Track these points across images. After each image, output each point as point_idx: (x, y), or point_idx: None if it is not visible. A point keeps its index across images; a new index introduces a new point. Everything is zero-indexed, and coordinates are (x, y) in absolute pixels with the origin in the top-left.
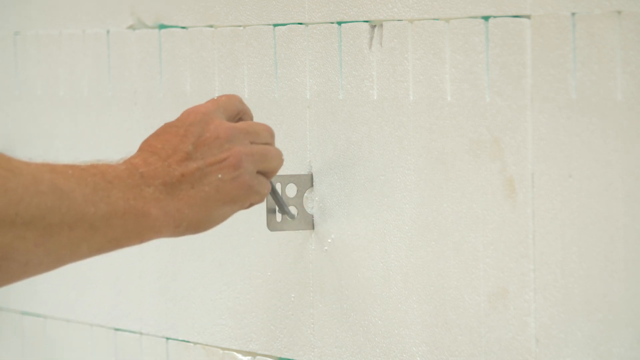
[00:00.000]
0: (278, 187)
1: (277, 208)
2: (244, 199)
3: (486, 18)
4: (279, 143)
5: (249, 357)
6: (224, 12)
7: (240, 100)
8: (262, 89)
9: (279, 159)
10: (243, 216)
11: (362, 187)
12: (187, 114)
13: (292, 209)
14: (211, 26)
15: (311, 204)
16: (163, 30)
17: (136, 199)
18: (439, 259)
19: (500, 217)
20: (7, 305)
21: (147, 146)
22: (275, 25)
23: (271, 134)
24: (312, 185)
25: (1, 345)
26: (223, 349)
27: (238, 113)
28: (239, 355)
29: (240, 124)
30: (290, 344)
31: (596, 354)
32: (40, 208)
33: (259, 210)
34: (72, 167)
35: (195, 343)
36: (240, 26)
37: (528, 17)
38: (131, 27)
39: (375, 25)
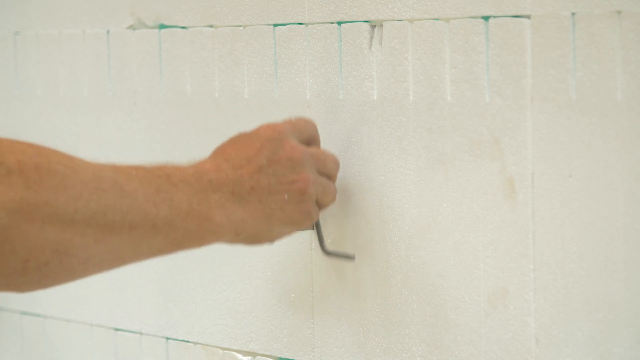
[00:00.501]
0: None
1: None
2: (302, 223)
3: (486, 18)
4: None
5: (249, 357)
6: (224, 12)
7: (315, 127)
8: (262, 89)
9: (333, 196)
10: None
11: (362, 187)
12: (264, 128)
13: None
14: (211, 26)
15: None
16: (163, 30)
17: (200, 204)
18: (439, 259)
19: (500, 217)
20: (7, 305)
21: (221, 153)
22: (275, 25)
23: (337, 165)
24: None
25: (1, 345)
26: (223, 349)
27: (310, 139)
28: (239, 355)
29: (312, 150)
30: (290, 344)
31: (596, 354)
32: (100, 205)
33: None
34: (137, 168)
35: (195, 343)
36: (240, 26)
37: (528, 17)
38: (131, 27)
39: (375, 25)
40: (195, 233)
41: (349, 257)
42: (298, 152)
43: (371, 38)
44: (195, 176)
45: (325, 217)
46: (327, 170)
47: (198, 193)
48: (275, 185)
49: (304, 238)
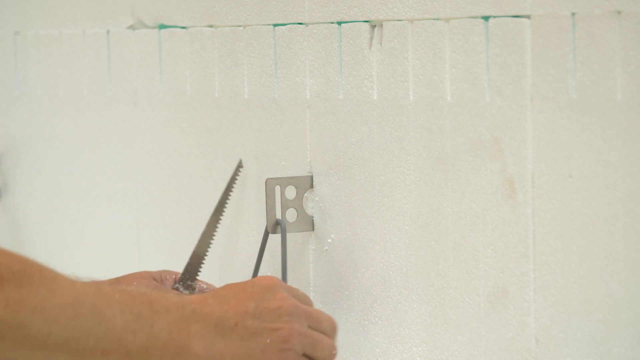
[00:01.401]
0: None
1: None
2: None
3: (486, 18)
4: (279, 143)
5: None
6: (224, 12)
7: (310, 301)
8: (262, 89)
9: (329, 353)
10: (243, 216)
11: (362, 187)
12: (260, 278)
13: None
14: (211, 26)
15: (311, 205)
16: (163, 30)
17: (180, 332)
18: (439, 259)
19: (500, 217)
20: None
21: (211, 292)
22: (275, 25)
23: (333, 327)
24: (312, 186)
25: None
26: None
27: (305, 302)
28: None
29: (306, 307)
30: None
31: (596, 354)
32: (76, 330)
33: (259, 210)
34: (121, 291)
35: None
36: (240, 26)
37: (528, 17)
38: (131, 27)
39: (375, 25)
40: None
41: None
42: (289, 303)
43: (371, 38)
44: (178, 305)
45: (325, 218)
46: (321, 328)
47: (179, 322)
48: (259, 328)
49: (304, 239)
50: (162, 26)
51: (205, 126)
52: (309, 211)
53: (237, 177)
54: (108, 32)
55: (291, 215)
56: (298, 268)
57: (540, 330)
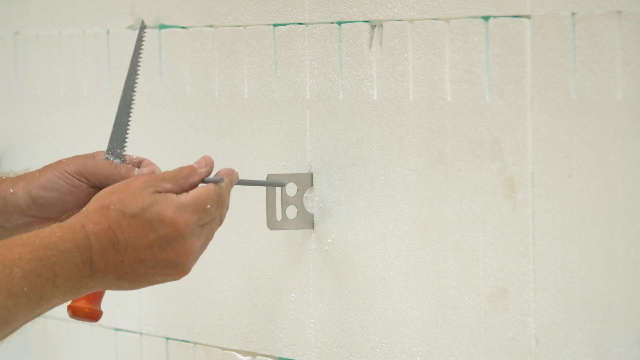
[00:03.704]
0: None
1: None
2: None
3: (486, 18)
4: (279, 142)
5: (249, 357)
6: (224, 12)
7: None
8: (262, 89)
9: (219, 221)
10: (243, 216)
11: (362, 187)
12: (167, 221)
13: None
14: (211, 26)
15: (311, 204)
16: (163, 30)
17: (74, 290)
18: (439, 259)
19: (500, 217)
20: None
21: (115, 225)
22: (275, 25)
23: (218, 195)
24: (312, 185)
25: (2, 345)
26: (223, 349)
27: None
28: (239, 355)
29: (190, 210)
30: (290, 344)
31: (596, 354)
32: None
33: (259, 210)
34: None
35: (195, 343)
36: (240, 26)
37: (528, 17)
38: (131, 27)
39: (375, 25)
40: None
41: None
42: (186, 256)
43: (371, 38)
44: (78, 268)
45: (325, 217)
46: (209, 216)
47: (76, 283)
48: (150, 273)
49: (304, 238)
50: (162, 26)
51: (205, 126)
52: (309, 210)
53: (142, 39)
54: (108, 32)
55: (291, 212)
56: (298, 268)
57: (540, 330)
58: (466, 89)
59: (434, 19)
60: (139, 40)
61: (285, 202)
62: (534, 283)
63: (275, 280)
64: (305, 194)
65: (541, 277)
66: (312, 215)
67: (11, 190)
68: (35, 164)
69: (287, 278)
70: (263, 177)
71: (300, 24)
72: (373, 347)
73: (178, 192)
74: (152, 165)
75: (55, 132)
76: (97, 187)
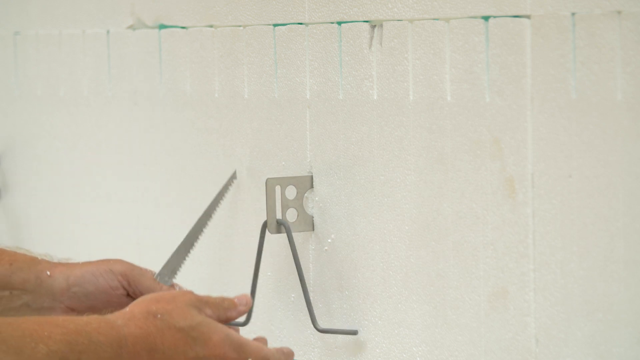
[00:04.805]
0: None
1: None
2: None
3: (486, 18)
4: (279, 143)
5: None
6: (224, 12)
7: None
8: (262, 89)
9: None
10: (243, 216)
11: (362, 187)
12: (210, 346)
13: None
14: (211, 26)
15: (311, 205)
16: (163, 30)
17: None
18: (439, 259)
19: (500, 217)
20: None
21: (158, 334)
22: (275, 25)
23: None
24: (312, 186)
25: None
26: None
27: None
28: None
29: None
30: (290, 343)
31: (596, 354)
32: None
33: (259, 210)
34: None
35: None
36: (240, 26)
37: (528, 17)
38: (131, 27)
39: (375, 25)
40: None
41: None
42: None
43: (371, 38)
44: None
45: (325, 218)
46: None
47: None
48: None
49: (304, 239)
50: (162, 26)
51: (205, 126)
52: (309, 211)
53: (229, 187)
54: (108, 32)
55: (291, 215)
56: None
57: (540, 330)
58: (466, 89)
59: (434, 19)
60: (225, 187)
61: (285, 206)
62: (533, 283)
63: (275, 280)
64: (305, 195)
65: (541, 277)
66: (312, 218)
67: (48, 273)
68: (35, 164)
69: (287, 278)
70: (263, 177)
71: (300, 24)
72: (373, 347)
73: (216, 320)
74: None
75: (55, 132)
76: (131, 298)
